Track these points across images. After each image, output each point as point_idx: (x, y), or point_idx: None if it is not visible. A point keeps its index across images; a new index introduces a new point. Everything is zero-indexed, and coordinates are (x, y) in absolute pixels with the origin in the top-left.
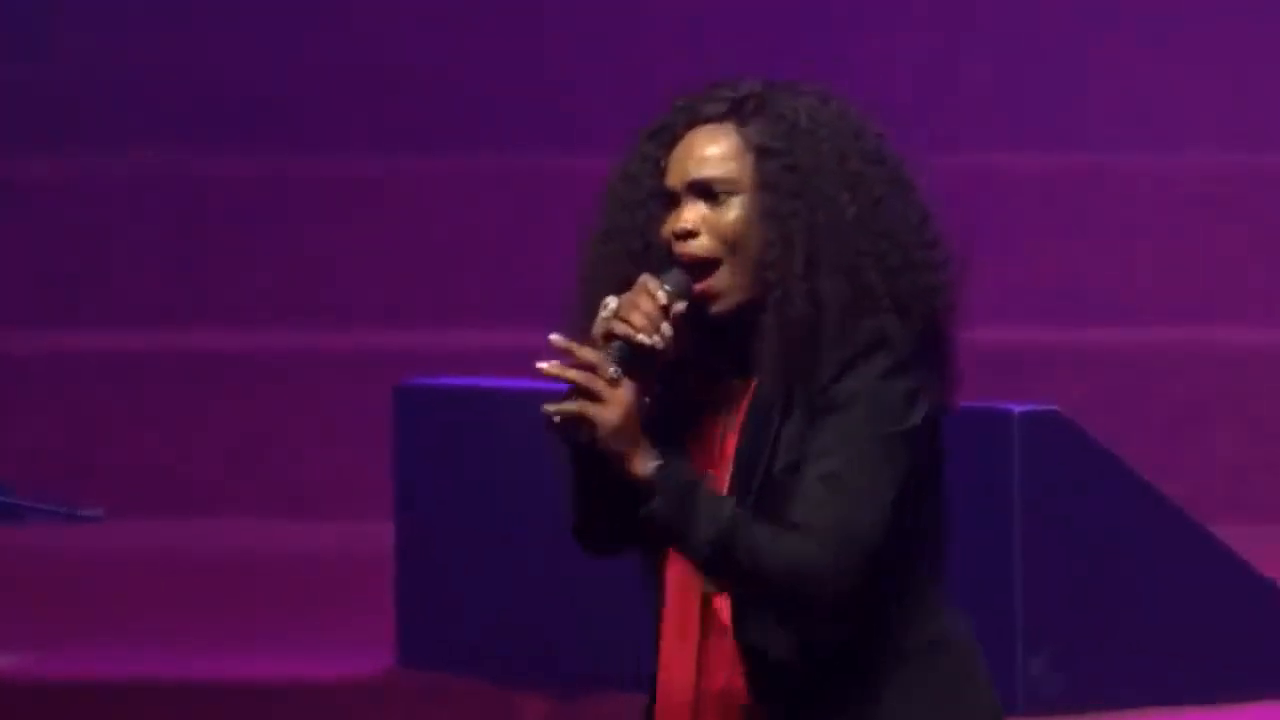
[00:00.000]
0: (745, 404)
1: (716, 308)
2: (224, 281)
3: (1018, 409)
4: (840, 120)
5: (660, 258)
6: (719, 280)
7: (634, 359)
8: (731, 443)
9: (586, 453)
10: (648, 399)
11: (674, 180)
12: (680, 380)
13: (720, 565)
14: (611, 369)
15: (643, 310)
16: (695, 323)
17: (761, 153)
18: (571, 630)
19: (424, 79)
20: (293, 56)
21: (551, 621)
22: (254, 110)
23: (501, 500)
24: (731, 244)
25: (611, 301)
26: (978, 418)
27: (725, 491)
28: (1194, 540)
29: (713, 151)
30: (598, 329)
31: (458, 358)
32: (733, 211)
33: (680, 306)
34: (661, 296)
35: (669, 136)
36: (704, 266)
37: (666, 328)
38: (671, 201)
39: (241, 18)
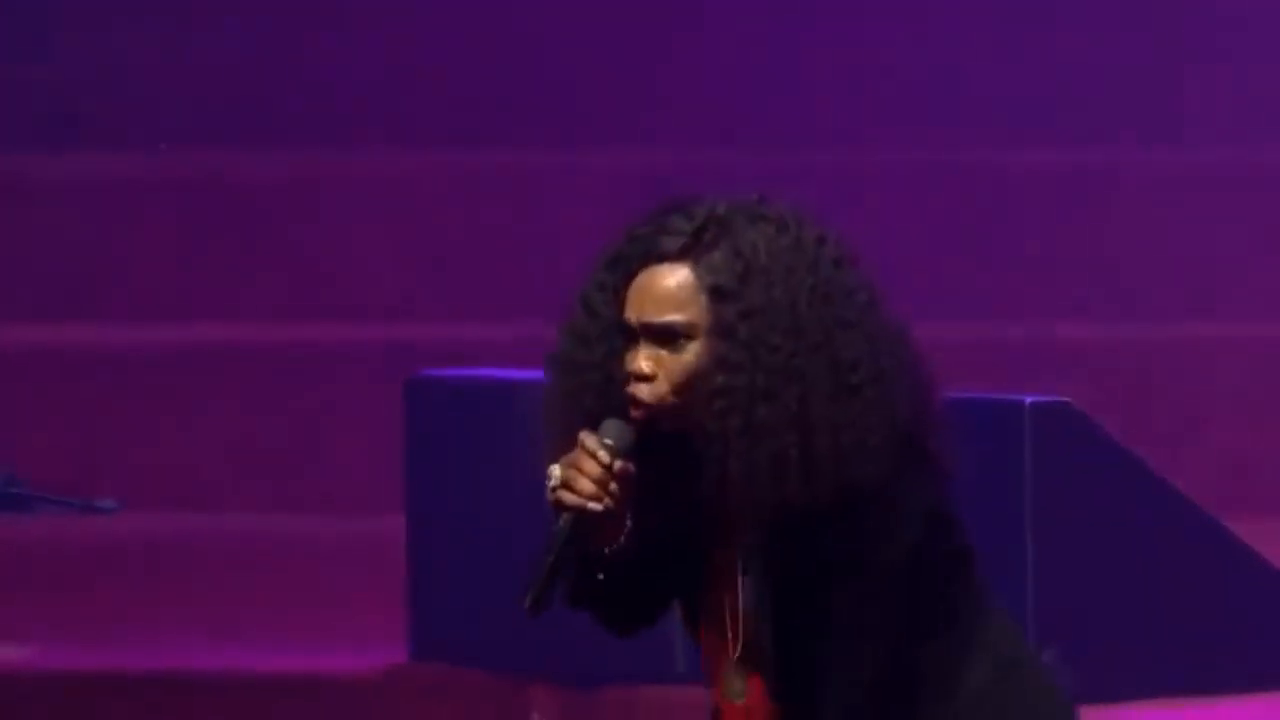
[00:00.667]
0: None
1: (663, 427)
2: (234, 276)
3: (1029, 400)
4: (795, 253)
5: (622, 392)
6: (659, 415)
7: (588, 523)
8: (731, 571)
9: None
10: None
11: (631, 317)
12: (659, 504)
13: None
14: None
15: (588, 475)
16: (663, 447)
17: (715, 295)
18: (585, 622)
19: (432, 75)
20: (297, 54)
21: (565, 613)
22: (262, 107)
23: (514, 492)
24: (686, 385)
25: (556, 470)
26: (989, 408)
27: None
28: (1205, 532)
29: (669, 295)
30: (549, 498)
31: (469, 351)
32: (688, 355)
33: (624, 464)
34: (604, 456)
35: (626, 268)
36: (648, 405)
37: (614, 487)
38: (631, 335)
39: (244, 16)
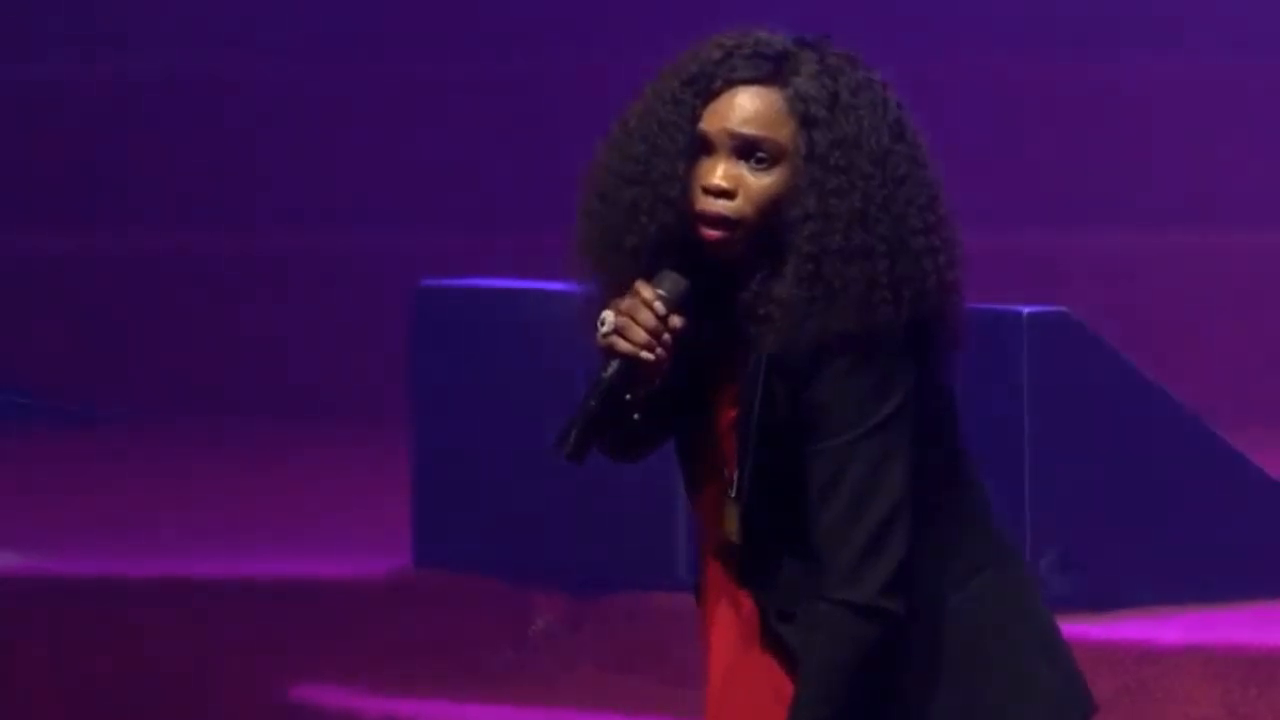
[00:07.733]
0: (741, 371)
1: (720, 255)
2: (244, 184)
3: (1027, 310)
4: (869, 90)
5: (690, 205)
6: (734, 235)
7: (634, 372)
8: (730, 403)
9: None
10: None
11: (713, 128)
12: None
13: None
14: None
15: (642, 325)
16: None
17: (807, 121)
18: (588, 531)
19: None
20: None
21: (569, 522)
22: (275, 15)
23: (518, 401)
24: (766, 207)
25: (609, 316)
26: (987, 318)
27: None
28: (1202, 441)
29: (759, 114)
30: (599, 343)
31: (478, 260)
32: (772, 177)
33: (678, 321)
34: (660, 308)
35: (707, 87)
36: (725, 222)
37: (667, 339)
38: (705, 149)
39: None
